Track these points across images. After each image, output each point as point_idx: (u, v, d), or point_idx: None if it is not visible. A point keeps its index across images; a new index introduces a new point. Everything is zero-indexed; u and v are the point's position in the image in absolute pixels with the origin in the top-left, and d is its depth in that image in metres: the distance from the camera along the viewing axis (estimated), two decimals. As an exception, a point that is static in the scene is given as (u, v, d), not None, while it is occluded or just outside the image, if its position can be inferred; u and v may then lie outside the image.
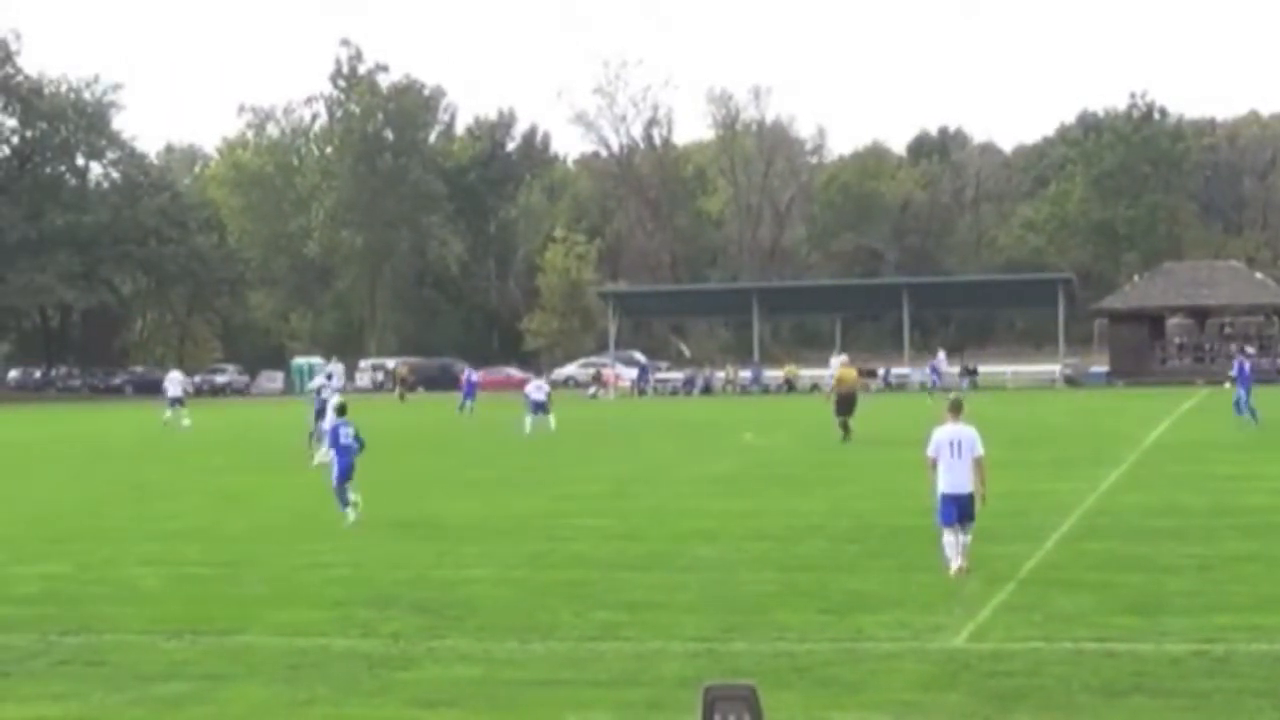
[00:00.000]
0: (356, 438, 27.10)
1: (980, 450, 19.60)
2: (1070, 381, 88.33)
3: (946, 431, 19.71)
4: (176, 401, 60.97)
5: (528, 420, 50.68)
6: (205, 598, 18.60)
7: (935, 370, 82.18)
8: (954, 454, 19.53)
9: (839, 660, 14.20)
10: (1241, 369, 48.23)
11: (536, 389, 54.70)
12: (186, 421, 58.46)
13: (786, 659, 14.26)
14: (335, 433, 27.53)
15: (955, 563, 19.18)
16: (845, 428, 43.33)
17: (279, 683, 13.99)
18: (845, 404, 44.19)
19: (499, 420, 56.45)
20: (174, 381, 63.37)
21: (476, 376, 64.83)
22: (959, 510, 19.32)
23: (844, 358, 52.60)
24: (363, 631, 16.17)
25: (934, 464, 19.68)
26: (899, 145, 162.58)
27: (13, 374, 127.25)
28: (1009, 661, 14.01)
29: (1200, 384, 78.06)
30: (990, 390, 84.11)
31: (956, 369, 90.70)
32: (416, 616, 16.91)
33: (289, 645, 15.58)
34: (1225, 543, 21.02)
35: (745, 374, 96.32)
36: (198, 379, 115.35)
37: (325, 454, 31.97)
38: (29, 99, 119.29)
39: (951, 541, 19.33)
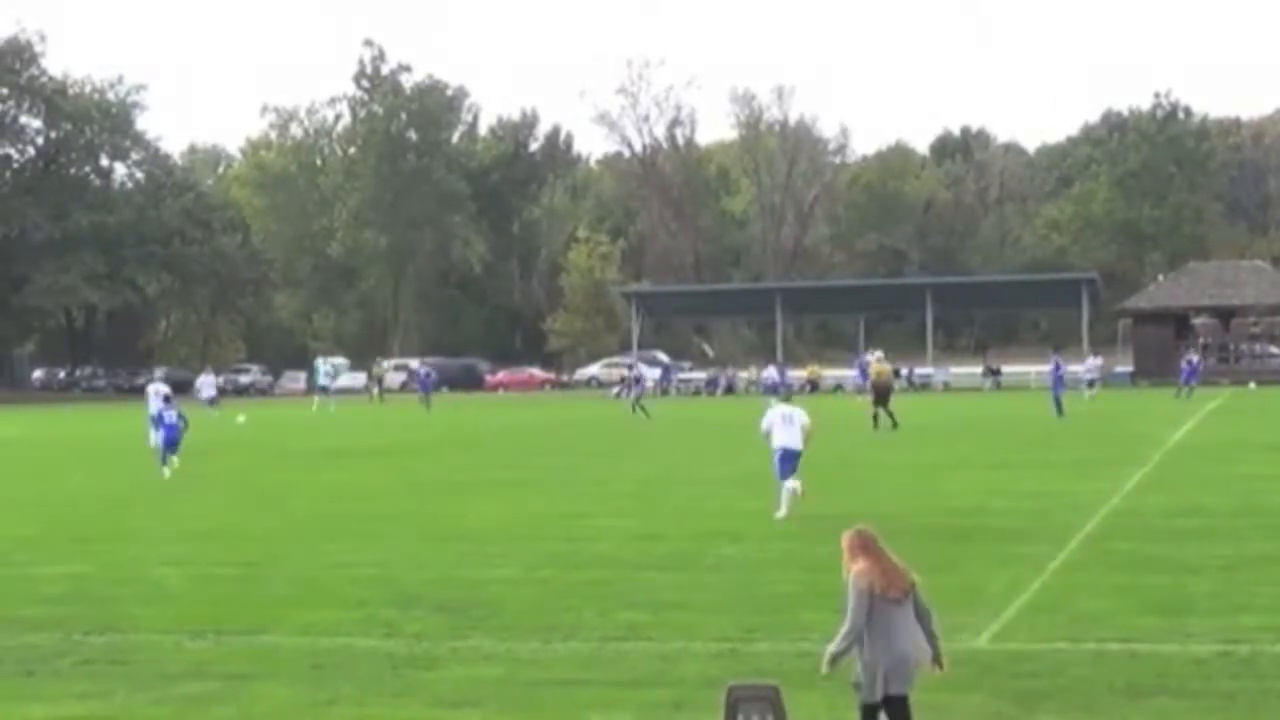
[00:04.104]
0: (180, 417, 37.06)
1: (807, 420, 26.08)
2: (1094, 382, 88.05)
3: (778, 410, 26.52)
4: (212, 402, 64.41)
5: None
6: (229, 598, 18.64)
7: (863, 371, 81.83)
8: (785, 423, 25.82)
9: (862, 661, 14.17)
10: (1056, 370, 55.27)
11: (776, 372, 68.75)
12: (241, 418, 61.21)
13: (810, 659, 14.21)
14: (160, 413, 37.58)
15: (784, 510, 24.87)
16: (884, 416, 47.84)
17: (303, 682, 14.02)
18: (881, 395, 48.88)
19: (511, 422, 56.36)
20: (207, 384, 66.13)
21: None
22: (792, 463, 25.42)
23: (879, 354, 55.39)
24: (386, 631, 16.19)
25: (768, 434, 25.99)
26: (922, 145, 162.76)
27: (37, 374, 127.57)
28: (1033, 662, 14.00)
29: (1225, 384, 77.89)
30: (1014, 390, 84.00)
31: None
32: (440, 616, 16.93)
33: (313, 645, 15.61)
34: (1250, 543, 20.96)
35: (768, 374, 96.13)
36: (222, 379, 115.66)
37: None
38: (53, 100, 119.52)
39: (789, 488, 25.09)
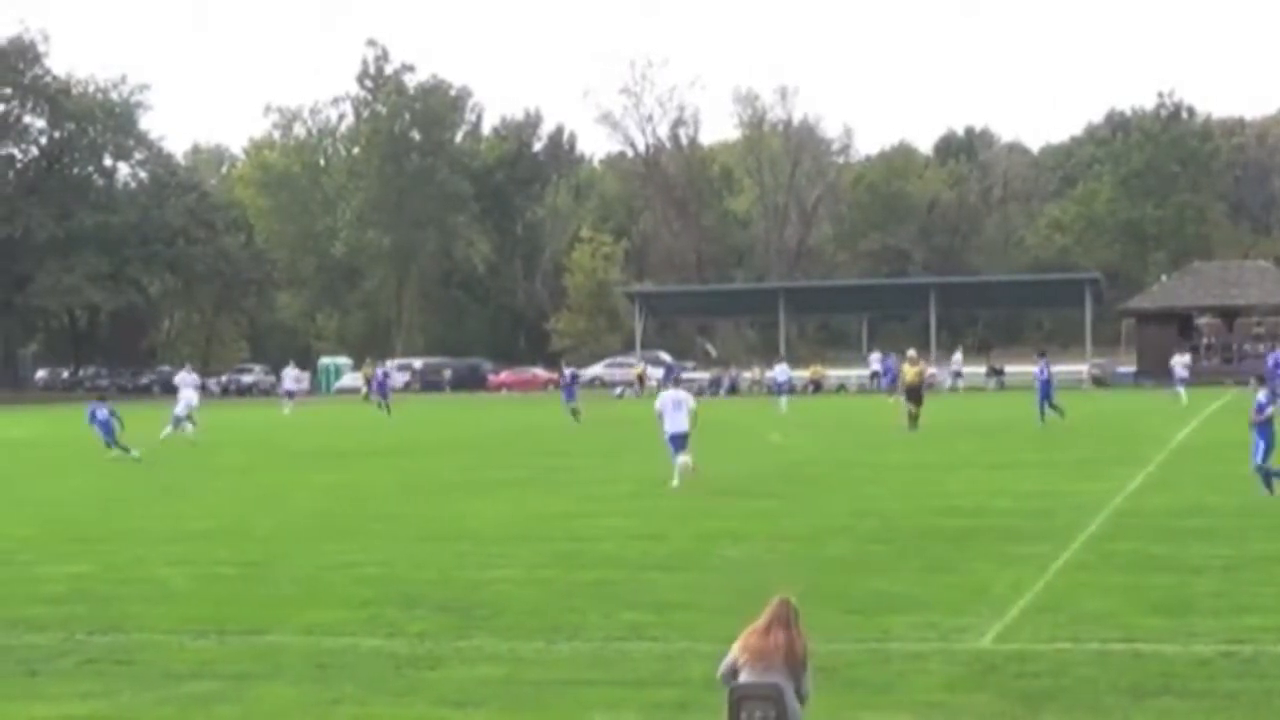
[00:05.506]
0: (112, 413, 42.96)
1: (693, 404, 31.33)
2: (1097, 381, 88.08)
3: (669, 394, 31.66)
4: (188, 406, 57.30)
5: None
6: (233, 597, 18.64)
7: (889, 370, 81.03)
8: (675, 408, 30.79)
9: (865, 661, 14.18)
10: (1043, 373, 50.33)
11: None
12: (167, 430, 52.03)
13: (813, 660, 14.24)
14: (93, 412, 43.30)
15: (677, 480, 29.87)
16: (913, 417, 47.66)
17: (306, 682, 14.02)
18: (912, 395, 48.68)
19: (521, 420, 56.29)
20: (188, 383, 59.19)
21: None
22: (680, 443, 30.48)
23: (912, 353, 54.31)
24: (390, 631, 16.19)
25: (660, 415, 30.89)
26: (926, 145, 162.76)
27: (41, 374, 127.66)
28: (1036, 662, 13.98)
29: (1228, 384, 77.81)
30: (1017, 390, 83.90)
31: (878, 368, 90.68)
32: (443, 616, 16.93)
33: (316, 645, 15.61)
34: (1253, 543, 20.94)
35: (772, 374, 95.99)
36: (224, 378, 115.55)
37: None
38: (57, 99, 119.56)
39: (680, 463, 30.19)
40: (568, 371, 62.82)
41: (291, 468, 39.71)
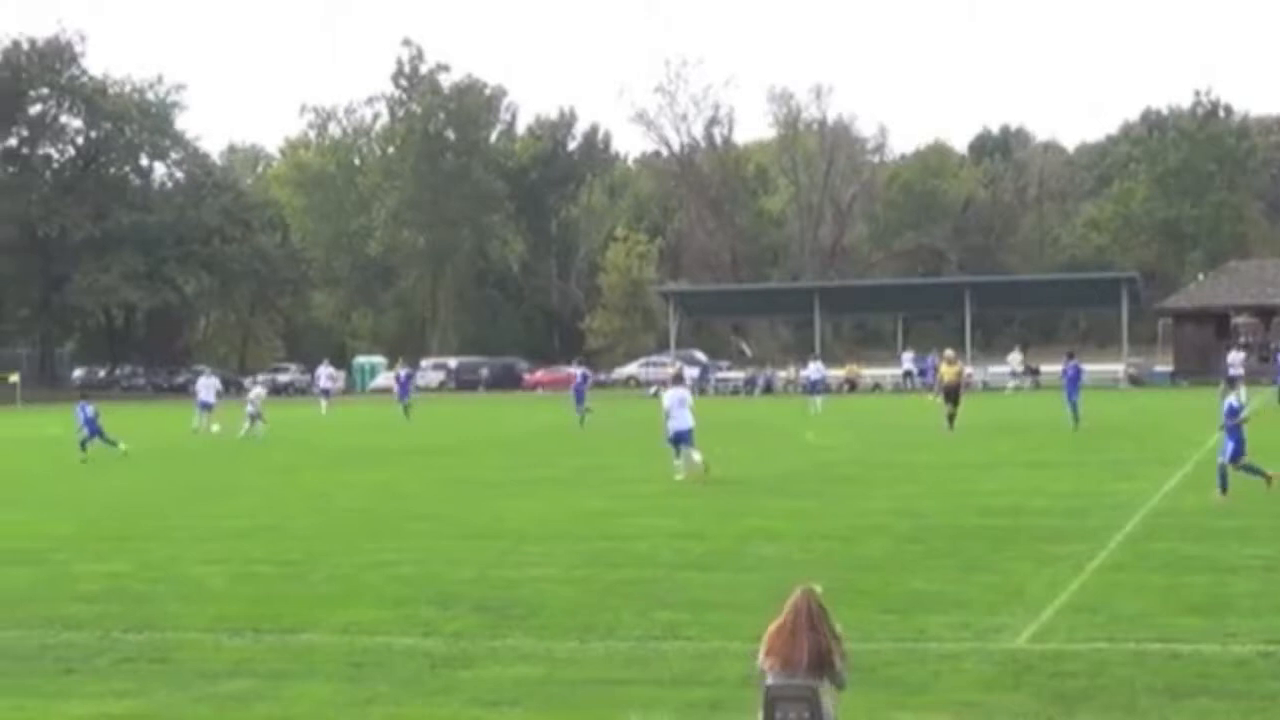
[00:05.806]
0: (95, 414, 44.16)
1: (691, 401, 32.81)
2: (1134, 381, 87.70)
3: (673, 392, 33.08)
4: (206, 407, 57.00)
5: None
6: (268, 596, 18.68)
7: (929, 369, 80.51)
8: (680, 405, 32.16)
9: (901, 660, 14.15)
10: (1075, 371, 49.20)
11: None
12: (216, 427, 54.04)
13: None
14: (84, 409, 44.27)
15: (681, 475, 31.55)
16: (950, 417, 47.33)
17: (342, 681, 14.05)
18: (950, 395, 48.44)
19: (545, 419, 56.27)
20: (207, 387, 58.51)
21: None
22: (683, 439, 31.94)
23: (950, 353, 53.60)
24: (425, 630, 16.20)
25: (669, 413, 32.14)
26: (961, 144, 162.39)
27: (77, 373, 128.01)
28: (1072, 662, 13.94)
29: (1265, 383, 77.37)
30: (1053, 390, 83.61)
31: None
32: (478, 616, 16.93)
33: (351, 644, 15.64)
34: (1291, 543, 20.85)
35: (805, 373, 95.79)
36: (260, 377, 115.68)
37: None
38: (94, 99, 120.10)
39: (691, 459, 31.66)
40: (579, 371, 61.25)
41: (327, 466, 39.78)
